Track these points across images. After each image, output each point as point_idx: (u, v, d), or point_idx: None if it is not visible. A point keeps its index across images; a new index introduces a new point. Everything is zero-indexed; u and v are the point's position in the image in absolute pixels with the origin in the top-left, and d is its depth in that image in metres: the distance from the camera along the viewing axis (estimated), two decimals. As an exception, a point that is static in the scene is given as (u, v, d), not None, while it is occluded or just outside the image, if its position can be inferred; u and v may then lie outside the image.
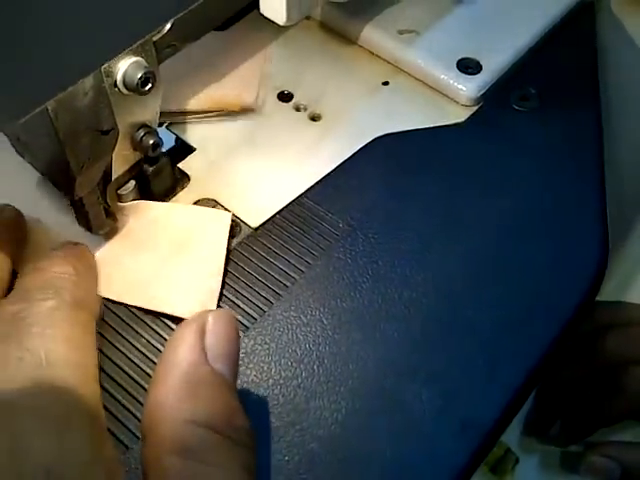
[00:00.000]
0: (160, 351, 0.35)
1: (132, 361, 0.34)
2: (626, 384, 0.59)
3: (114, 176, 0.36)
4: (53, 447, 0.25)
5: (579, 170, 0.42)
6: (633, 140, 0.57)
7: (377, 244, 0.39)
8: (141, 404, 0.33)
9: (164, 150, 0.38)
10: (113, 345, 0.35)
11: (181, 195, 0.41)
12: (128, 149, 0.36)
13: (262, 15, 0.40)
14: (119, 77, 0.33)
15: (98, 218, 0.36)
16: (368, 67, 0.48)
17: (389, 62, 0.48)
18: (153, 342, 0.35)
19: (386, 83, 0.47)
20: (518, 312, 0.37)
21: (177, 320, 0.35)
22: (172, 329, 0.35)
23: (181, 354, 0.28)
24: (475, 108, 0.45)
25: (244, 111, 0.44)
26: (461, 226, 0.40)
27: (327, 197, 0.41)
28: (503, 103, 0.46)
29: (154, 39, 0.34)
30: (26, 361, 0.27)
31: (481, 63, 0.46)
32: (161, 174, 0.38)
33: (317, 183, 0.41)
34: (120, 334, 0.35)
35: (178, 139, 0.44)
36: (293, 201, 0.41)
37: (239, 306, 0.36)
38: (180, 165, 0.42)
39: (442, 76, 0.45)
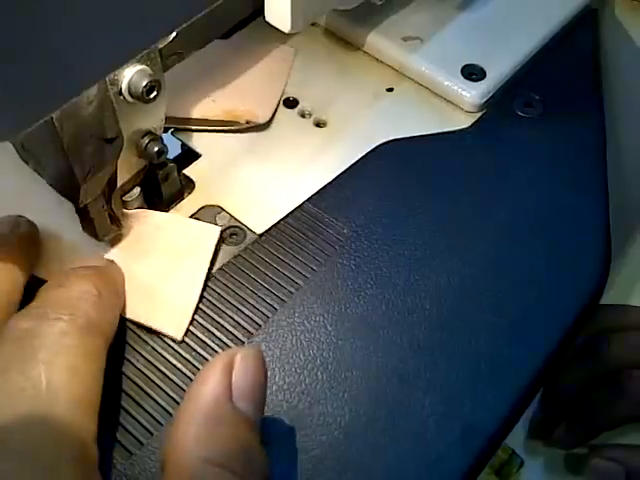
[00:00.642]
0: (163, 357, 0.35)
1: (136, 367, 0.35)
2: (629, 388, 0.59)
3: (119, 183, 0.37)
4: None
5: (582, 177, 0.43)
6: (636, 146, 0.57)
7: (381, 250, 0.39)
8: (145, 410, 0.33)
9: (170, 157, 0.38)
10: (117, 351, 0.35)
11: (186, 201, 0.41)
12: (133, 156, 0.37)
13: (267, 22, 0.40)
14: (124, 85, 0.33)
15: (103, 225, 0.36)
16: (373, 73, 0.48)
17: (394, 68, 0.48)
18: (158, 349, 0.35)
19: (391, 89, 0.47)
20: (520, 319, 0.37)
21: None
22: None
23: (206, 391, 0.28)
24: (479, 114, 0.46)
25: (250, 127, 0.44)
26: (464, 233, 0.40)
27: (332, 203, 0.41)
28: (507, 110, 0.46)
29: (159, 47, 0.34)
30: (26, 393, 0.27)
31: (485, 69, 0.46)
32: (167, 180, 0.39)
33: (322, 189, 0.42)
34: (126, 342, 0.35)
35: (184, 145, 0.45)
36: (298, 207, 0.41)
37: (243, 312, 0.37)
38: (185, 171, 0.42)
39: (446, 82, 0.46)
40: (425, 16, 0.49)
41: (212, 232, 0.39)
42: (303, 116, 0.46)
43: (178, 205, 0.41)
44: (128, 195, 0.38)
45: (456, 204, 0.41)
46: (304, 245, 0.39)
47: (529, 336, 0.36)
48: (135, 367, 0.35)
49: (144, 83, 0.33)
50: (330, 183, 0.42)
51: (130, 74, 0.33)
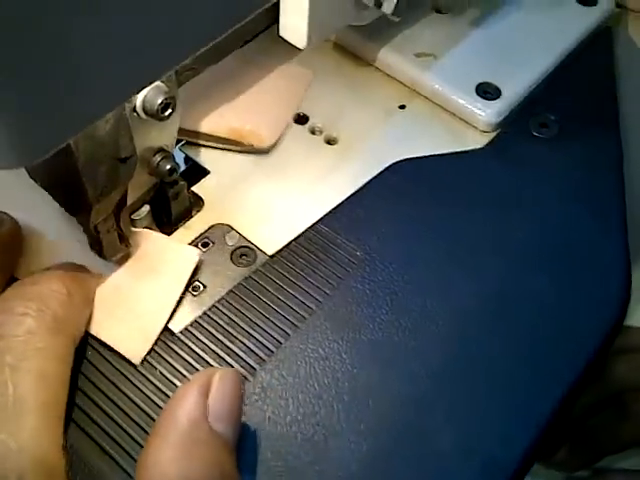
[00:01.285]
0: (173, 384, 0.34)
1: (145, 394, 0.33)
2: (635, 411, 0.58)
3: (129, 201, 0.35)
4: None
5: (600, 200, 0.42)
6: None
7: (395, 274, 0.38)
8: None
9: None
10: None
11: (195, 220, 0.40)
12: (144, 174, 0.35)
13: (280, 37, 0.39)
14: (138, 102, 0.32)
15: (112, 244, 0.35)
16: (384, 90, 0.47)
17: (405, 85, 0.47)
18: (167, 375, 0.34)
19: (403, 107, 0.46)
20: (540, 347, 0.36)
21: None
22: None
23: (182, 411, 0.28)
24: (494, 134, 0.45)
25: (252, 149, 0.43)
26: (480, 256, 0.39)
27: (344, 224, 0.40)
28: (522, 130, 0.45)
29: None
30: None
31: (500, 88, 0.45)
32: (177, 199, 0.37)
33: (334, 209, 0.40)
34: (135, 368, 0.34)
35: (189, 160, 0.43)
36: (309, 228, 0.40)
37: (254, 337, 0.35)
38: (194, 188, 0.41)
39: (460, 100, 0.45)
40: (438, 32, 0.48)
41: (191, 256, 0.37)
42: (314, 133, 0.45)
43: (187, 223, 0.39)
44: (136, 213, 0.37)
45: (471, 226, 0.40)
46: (316, 267, 0.38)
47: (551, 366, 0.35)
48: (144, 394, 0.33)
49: (159, 100, 0.31)
50: (342, 203, 0.41)
51: (145, 91, 0.31)
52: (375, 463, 0.32)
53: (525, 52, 0.47)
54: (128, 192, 0.35)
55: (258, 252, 0.39)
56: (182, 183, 0.37)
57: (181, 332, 0.35)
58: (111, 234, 0.34)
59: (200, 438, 0.27)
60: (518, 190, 0.42)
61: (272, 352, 0.35)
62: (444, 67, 0.46)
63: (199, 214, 0.40)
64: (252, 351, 0.35)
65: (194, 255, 0.37)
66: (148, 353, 0.34)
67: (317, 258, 0.38)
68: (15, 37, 0.19)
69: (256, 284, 0.37)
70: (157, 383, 0.34)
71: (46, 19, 0.20)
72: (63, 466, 0.28)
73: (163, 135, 0.34)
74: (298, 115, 0.45)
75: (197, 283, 0.37)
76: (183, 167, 0.44)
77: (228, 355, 0.35)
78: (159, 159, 0.35)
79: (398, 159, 0.43)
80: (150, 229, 0.38)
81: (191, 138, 0.43)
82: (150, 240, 0.37)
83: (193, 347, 0.35)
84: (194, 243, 0.39)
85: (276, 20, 0.40)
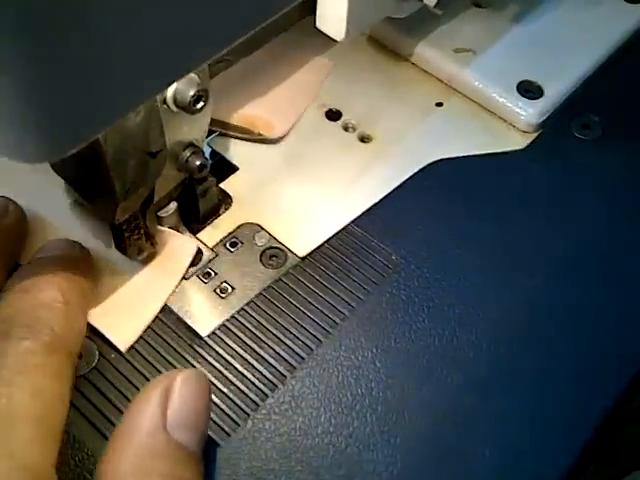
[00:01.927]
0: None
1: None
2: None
3: (156, 198, 0.34)
4: None
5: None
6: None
7: (432, 280, 0.36)
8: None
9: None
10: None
11: (223, 218, 0.38)
12: (172, 169, 0.34)
13: (316, 29, 0.38)
14: (169, 94, 0.30)
15: (138, 243, 0.33)
16: (421, 86, 0.45)
17: (443, 82, 0.45)
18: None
19: (440, 104, 0.44)
20: (585, 360, 0.34)
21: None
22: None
23: (140, 420, 0.26)
24: (535, 135, 0.43)
25: (262, 137, 0.42)
26: (521, 262, 0.37)
27: (379, 226, 0.38)
28: (564, 131, 0.43)
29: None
30: None
31: (542, 87, 0.43)
32: (205, 196, 0.36)
33: (368, 211, 0.39)
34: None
35: (216, 155, 0.42)
36: (342, 229, 0.38)
37: (284, 342, 0.34)
38: (222, 185, 0.39)
39: (501, 99, 0.43)
40: (478, 27, 0.46)
41: (189, 248, 0.36)
42: (347, 129, 0.43)
43: (215, 222, 0.38)
44: (163, 210, 0.36)
45: (510, 231, 0.39)
46: (349, 271, 0.36)
47: (596, 379, 0.33)
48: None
49: (192, 93, 0.30)
50: (376, 204, 0.39)
51: (176, 82, 0.30)
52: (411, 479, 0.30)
53: (568, 50, 0.45)
54: (155, 188, 0.33)
55: (289, 253, 0.37)
56: (211, 179, 0.36)
57: (208, 336, 0.34)
58: (137, 232, 0.33)
59: (158, 450, 0.26)
60: (560, 193, 0.40)
61: (303, 359, 0.33)
62: (484, 63, 0.44)
63: (227, 212, 0.38)
64: (282, 357, 0.33)
65: (192, 247, 0.36)
66: (177, 354, 0.33)
67: (350, 261, 0.37)
68: (49, 26, 0.18)
69: (286, 287, 0.36)
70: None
71: (79, 9, 0.18)
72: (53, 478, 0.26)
73: (194, 129, 0.33)
74: (330, 110, 0.44)
75: (225, 285, 0.36)
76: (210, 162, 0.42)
77: (257, 361, 0.33)
78: (188, 154, 0.34)
79: (435, 159, 0.41)
80: (177, 228, 0.37)
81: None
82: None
83: (221, 352, 0.33)
84: (222, 243, 0.37)
85: (309, 13, 0.38)
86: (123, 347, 0.33)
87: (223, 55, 0.33)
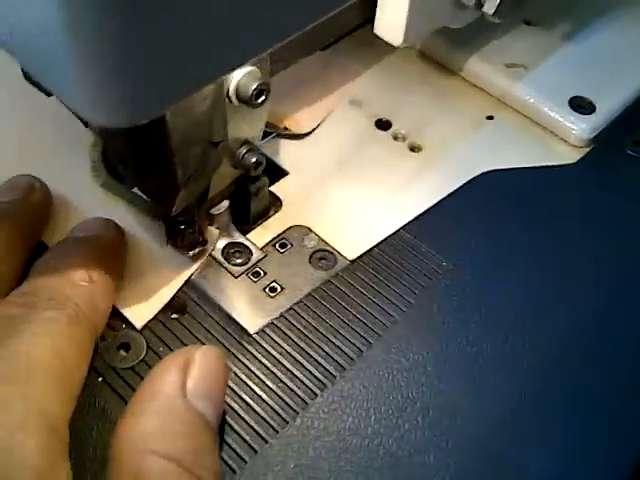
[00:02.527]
0: (249, 387, 0.32)
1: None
2: None
3: (210, 194, 0.34)
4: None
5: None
6: None
7: (483, 288, 0.36)
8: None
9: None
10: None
11: (273, 220, 0.38)
12: (228, 166, 0.34)
13: (375, 35, 0.38)
14: (232, 86, 0.30)
15: (192, 237, 0.33)
16: (471, 100, 0.45)
17: (492, 96, 0.45)
18: (243, 378, 0.32)
19: (490, 117, 0.44)
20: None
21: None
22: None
23: (160, 387, 0.27)
24: (586, 150, 0.42)
25: (288, 132, 0.42)
26: (572, 277, 0.37)
27: (428, 233, 0.38)
28: (616, 147, 0.43)
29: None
30: (5, 361, 0.26)
31: (594, 103, 0.43)
32: (258, 195, 0.36)
33: (417, 217, 0.39)
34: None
35: (266, 159, 0.42)
36: (392, 234, 0.38)
37: (334, 343, 0.33)
38: (272, 188, 0.39)
39: (552, 114, 0.43)
40: (528, 44, 0.46)
41: (212, 234, 0.36)
42: (396, 139, 0.43)
43: (265, 223, 0.38)
44: (216, 208, 0.35)
45: (562, 245, 0.38)
46: (400, 275, 0.36)
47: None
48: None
49: (254, 86, 0.30)
50: (427, 211, 0.39)
51: (240, 75, 0.30)
52: (463, 485, 0.29)
53: (619, 67, 0.45)
54: (210, 185, 0.33)
55: (338, 256, 0.37)
56: (264, 179, 0.36)
57: (257, 333, 0.33)
58: (191, 226, 0.33)
59: (177, 415, 0.26)
60: (613, 210, 0.40)
61: (353, 360, 0.33)
62: (536, 79, 0.44)
63: (277, 214, 0.38)
64: (332, 358, 0.33)
65: (215, 232, 0.36)
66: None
67: (400, 266, 0.36)
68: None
69: (336, 289, 0.35)
70: (231, 384, 0.32)
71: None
72: (66, 444, 0.26)
73: (252, 125, 0.33)
74: (380, 120, 0.44)
75: (274, 284, 0.35)
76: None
77: (306, 360, 0.33)
78: (244, 151, 0.34)
79: (486, 170, 0.41)
80: (227, 227, 0.37)
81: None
82: None
83: (269, 349, 0.33)
84: (272, 243, 0.37)
85: (365, 22, 0.38)
86: (139, 325, 0.33)
87: (282, 55, 0.34)
